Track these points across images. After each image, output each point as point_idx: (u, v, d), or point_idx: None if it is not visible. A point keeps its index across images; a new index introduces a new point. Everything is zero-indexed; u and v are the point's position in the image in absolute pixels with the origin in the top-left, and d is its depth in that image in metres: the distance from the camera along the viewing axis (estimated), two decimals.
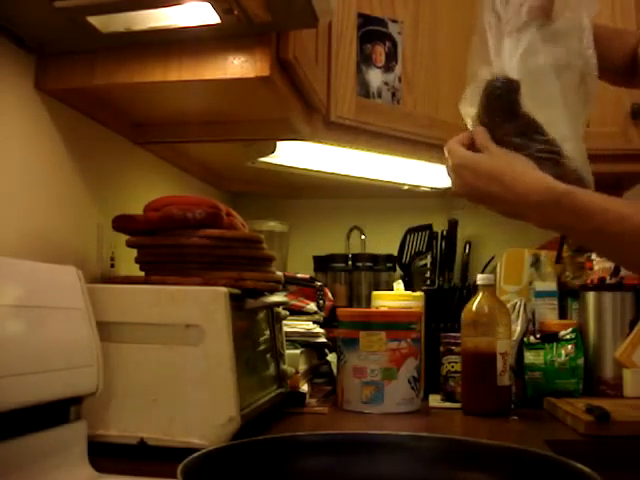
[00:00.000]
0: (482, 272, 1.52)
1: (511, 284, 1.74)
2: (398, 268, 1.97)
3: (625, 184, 1.96)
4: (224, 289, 1.00)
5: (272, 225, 1.95)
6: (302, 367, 1.41)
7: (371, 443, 0.79)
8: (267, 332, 1.26)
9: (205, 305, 0.99)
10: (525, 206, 0.85)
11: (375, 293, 1.66)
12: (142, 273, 1.14)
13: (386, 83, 1.59)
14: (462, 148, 0.91)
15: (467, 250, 2.05)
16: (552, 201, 0.84)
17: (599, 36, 1.10)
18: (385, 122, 1.57)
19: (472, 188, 0.89)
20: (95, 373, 0.90)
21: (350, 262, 1.98)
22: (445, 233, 2.02)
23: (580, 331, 1.57)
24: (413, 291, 1.67)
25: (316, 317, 1.56)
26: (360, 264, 1.98)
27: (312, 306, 1.57)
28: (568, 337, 1.55)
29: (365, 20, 1.56)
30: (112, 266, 1.31)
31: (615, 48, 1.09)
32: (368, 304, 1.77)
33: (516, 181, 0.86)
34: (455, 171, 0.91)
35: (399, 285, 1.77)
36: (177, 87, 1.10)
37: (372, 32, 1.57)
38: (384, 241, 2.02)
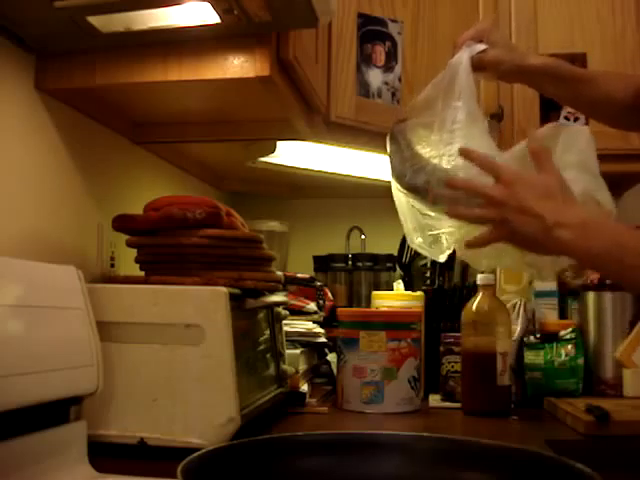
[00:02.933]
0: (482, 272, 1.52)
1: (511, 284, 1.74)
2: (398, 268, 1.97)
3: (625, 184, 1.96)
4: (224, 289, 1.00)
5: (272, 225, 1.95)
6: (302, 367, 1.41)
7: (371, 443, 0.79)
8: (267, 332, 1.26)
9: (205, 305, 0.99)
10: (572, 225, 0.85)
11: (375, 293, 1.66)
12: (142, 273, 1.14)
13: (386, 83, 1.59)
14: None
15: None
16: (601, 219, 0.87)
17: (602, 78, 1.11)
18: (385, 122, 1.56)
19: (527, 207, 0.87)
20: (95, 373, 0.90)
21: (350, 262, 1.98)
22: None
23: (580, 331, 1.57)
24: (413, 291, 1.67)
25: (316, 317, 1.56)
26: (360, 264, 1.98)
27: (312, 306, 1.57)
28: (568, 337, 1.55)
29: (365, 20, 1.56)
30: (112, 266, 1.31)
31: (619, 89, 1.09)
32: (368, 304, 1.77)
33: (568, 199, 0.88)
34: (511, 188, 0.88)
35: (399, 285, 1.77)
36: (177, 87, 1.10)
37: (372, 32, 1.57)
38: (384, 241, 2.01)
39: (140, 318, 1.00)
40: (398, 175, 1.03)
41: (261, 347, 1.22)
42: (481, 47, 1.05)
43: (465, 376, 1.42)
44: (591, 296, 1.62)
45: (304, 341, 1.47)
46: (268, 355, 1.25)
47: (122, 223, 1.15)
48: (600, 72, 1.17)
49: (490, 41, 1.07)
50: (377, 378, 1.36)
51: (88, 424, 0.90)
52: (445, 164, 0.98)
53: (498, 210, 0.89)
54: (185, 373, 0.97)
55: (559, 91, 1.12)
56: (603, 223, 0.88)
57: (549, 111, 1.74)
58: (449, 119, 0.99)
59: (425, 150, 1.01)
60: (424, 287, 1.72)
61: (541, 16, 1.76)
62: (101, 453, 0.92)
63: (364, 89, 1.55)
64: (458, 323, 1.45)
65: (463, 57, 1.04)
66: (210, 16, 0.96)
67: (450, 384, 1.48)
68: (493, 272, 1.61)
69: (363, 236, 2.09)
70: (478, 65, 1.05)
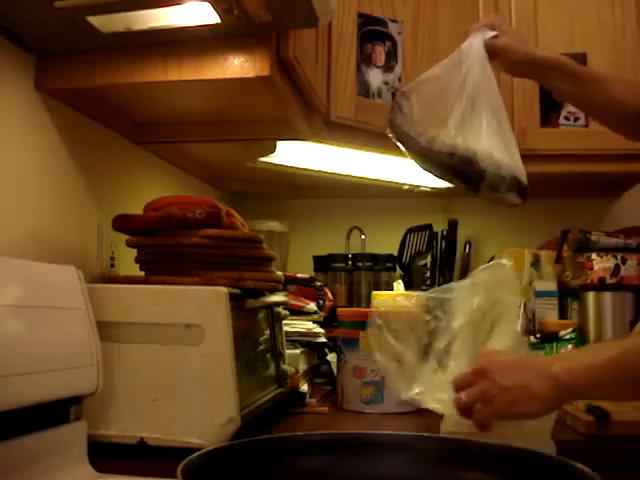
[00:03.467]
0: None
1: None
2: (398, 268, 1.97)
3: (625, 184, 1.96)
4: (224, 289, 1.00)
5: (272, 225, 1.95)
6: (302, 367, 1.41)
7: (371, 443, 0.79)
8: (267, 332, 1.26)
9: (205, 305, 0.99)
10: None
11: (375, 293, 1.66)
12: (142, 273, 1.14)
13: (386, 83, 1.59)
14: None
15: (467, 250, 2.05)
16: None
17: (611, 83, 1.11)
18: (385, 122, 1.57)
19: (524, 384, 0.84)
20: (95, 373, 0.90)
21: (350, 262, 1.98)
22: (445, 233, 2.02)
23: (580, 331, 1.57)
24: (413, 291, 1.67)
25: (316, 317, 1.56)
26: (360, 264, 1.98)
27: (312, 306, 1.57)
28: (568, 337, 1.54)
29: (365, 20, 1.56)
30: (112, 266, 1.31)
31: (628, 95, 1.09)
32: (368, 304, 1.77)
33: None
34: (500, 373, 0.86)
35: (399, 285, 1.77)
36: (177, 87, 1.11)
37: (372, 32, 1.57)
38: (384, 241, 2.01)
39: (140, 318, 1.00)
40: (414, 135, 1.04)
41: (261, 347, 1.22)
42: (492, 33, 1.05)
43: None
44: (591, 296, 1.62)
45: (304, 341, 1.47)
46: (268, 355, 1.25)
47: (122, 223, 1.15)
48: (610, 76, 1.15)
49: (502, 30, 1.07)
50: (377, 378, 1.36)
51: (88, 424, 0.90)
52: (463, 141, 1.00)
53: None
54: (185, 373, 0.97)
55: (565, 87, 1.12)
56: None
57: (549, 111, 1.74)
58: (466, 94, 1.00)
59: (438, 118, 1.02)
60: (424, 287, 1.72)
61: (541, 16, 1.76)
62: (101, 453, 0.92)
63: (364, 89, 1.55)
64: None
65: (475, 40, 1.03)
66: (210, 16, 0.96)
67: None
68: None
69: (363, 236, 2.09)
70: (490, 51, 1.05)
